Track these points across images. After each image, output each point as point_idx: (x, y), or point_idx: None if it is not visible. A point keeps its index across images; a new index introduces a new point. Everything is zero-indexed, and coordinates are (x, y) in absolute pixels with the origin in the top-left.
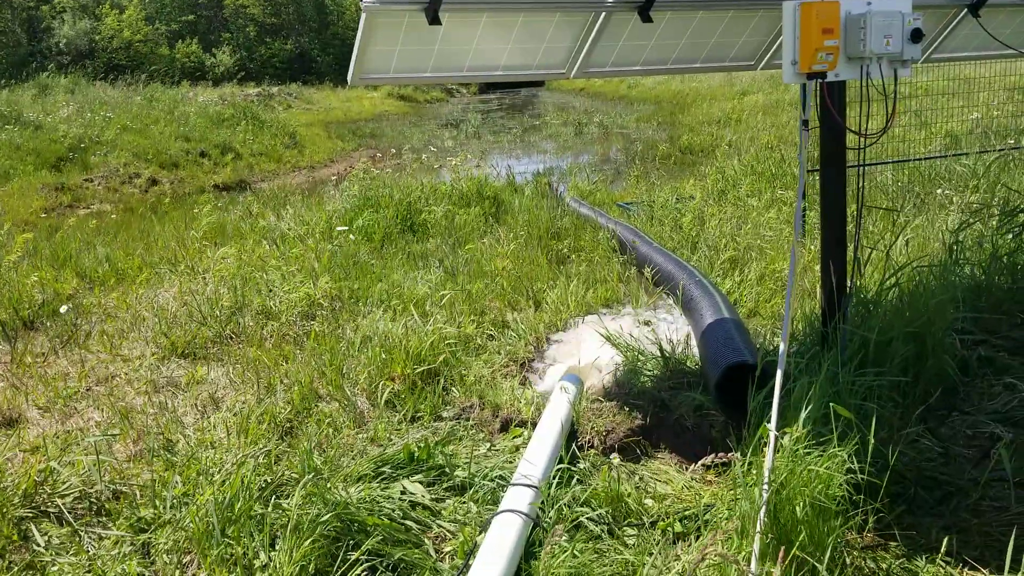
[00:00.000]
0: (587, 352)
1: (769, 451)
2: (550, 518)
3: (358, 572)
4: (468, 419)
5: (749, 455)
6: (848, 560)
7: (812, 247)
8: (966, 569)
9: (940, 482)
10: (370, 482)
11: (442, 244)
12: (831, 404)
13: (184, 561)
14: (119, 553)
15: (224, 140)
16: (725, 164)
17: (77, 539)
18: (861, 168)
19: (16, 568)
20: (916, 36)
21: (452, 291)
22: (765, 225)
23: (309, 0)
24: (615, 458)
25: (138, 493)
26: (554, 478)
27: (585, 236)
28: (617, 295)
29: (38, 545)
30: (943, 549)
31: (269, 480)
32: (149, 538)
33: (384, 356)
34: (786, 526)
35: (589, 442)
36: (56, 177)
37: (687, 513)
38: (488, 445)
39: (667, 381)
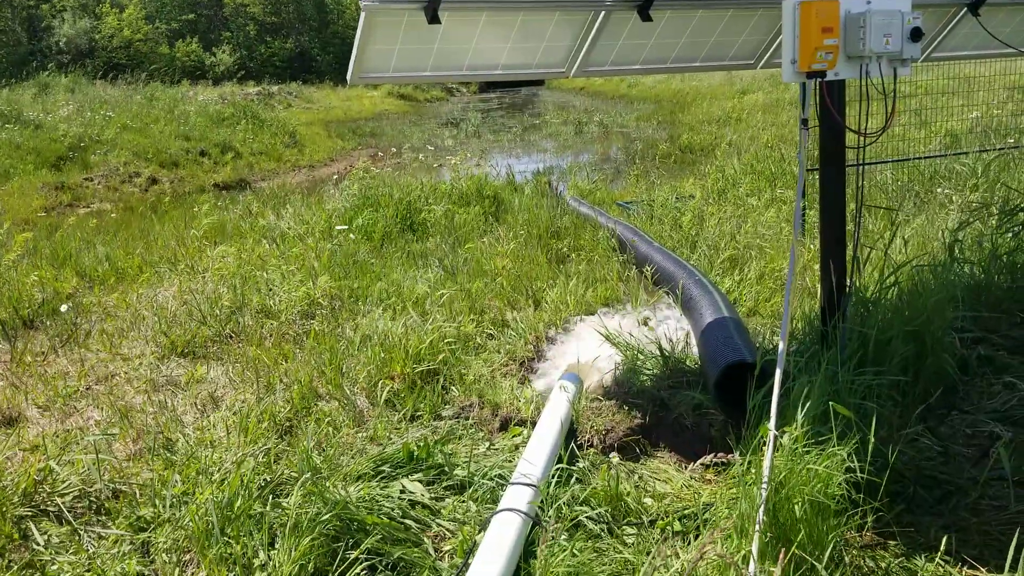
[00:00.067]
0: (586, 351)
1: (768, 450)
2: (549, 517)
3: (357, 571)
4: (467, 418)
5: (748, 454)
6: (847, 559)
7: (812, 246)
8: (965, 568)
9: (939, 481)
10: (369, 481)
11: (442, 243)
12: (830, 403)
13: (184, 560)
14: (119, 552)
15: (224, 139)
16: (725, 163)
17: (76, 538)
18: (860, 167)
19: (16, 567)
20: (916, 35)
21: (452, 290)
22: (765, 224)
23: None
24: (614, 457)
25: (138, 492)
26: (553, 477)
27: (585, 235)
28: (617, 294)
29: (38, 544)
30: (942, 548)
31: (268, 479)
32: (148, 537)
33: (383, 355)
34: (785, 525)
35: (588, 441)
36: (56, 176)
37: (686, 512)
38: (487, 444)
39: (666, 380)
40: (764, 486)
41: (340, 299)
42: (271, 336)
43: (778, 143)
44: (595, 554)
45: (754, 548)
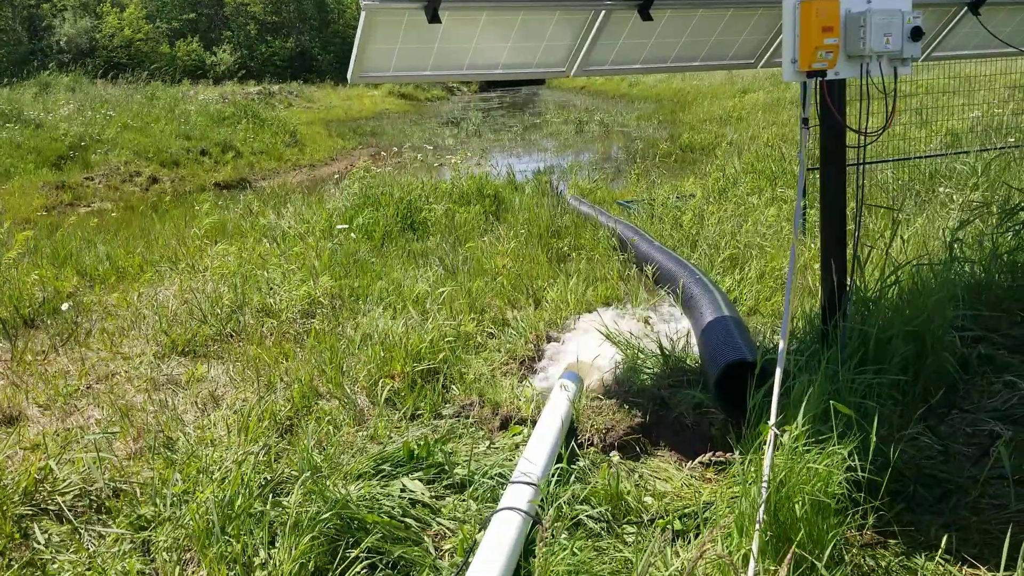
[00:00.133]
0: (587, 350)
1: (768, 449)
2: (550, 516)
3: (358, 570)
4: (468, 417)
5: (749, 453)
6: (847, 558)
7: (812, 245)
8: (965, 567)
9: (939, 480)
10: (370, 480)
11: (442, 242)
12: (831, 402)
13: (184, 559)
14: (119, 551)
15: (225, 138)
16: (726, 162)
17: (77, 537)
18: (861, 166)
19: (16, 566)
20: (916, 34)
21: (452, 289)
22: (765, 223)
23: None
24: (615, 456)
25: (138, 491)
26: (554, 476)
27: (585, 234)
28: (617, 293)
29: (38, 543)
30: (942, 547)
31: (269, 478)
32: (149, 536)
33: (384, 354)
34: (786, 524)
35: (589, 440)
36: (57, 175)
37: (687, 511)
38: (488, 443)
39: (667, 379)
40: (764, 485)
41: (341, 298)
42: (272, 335)
43: (779, 142)
44: (595, 553)
45: (754, 547)
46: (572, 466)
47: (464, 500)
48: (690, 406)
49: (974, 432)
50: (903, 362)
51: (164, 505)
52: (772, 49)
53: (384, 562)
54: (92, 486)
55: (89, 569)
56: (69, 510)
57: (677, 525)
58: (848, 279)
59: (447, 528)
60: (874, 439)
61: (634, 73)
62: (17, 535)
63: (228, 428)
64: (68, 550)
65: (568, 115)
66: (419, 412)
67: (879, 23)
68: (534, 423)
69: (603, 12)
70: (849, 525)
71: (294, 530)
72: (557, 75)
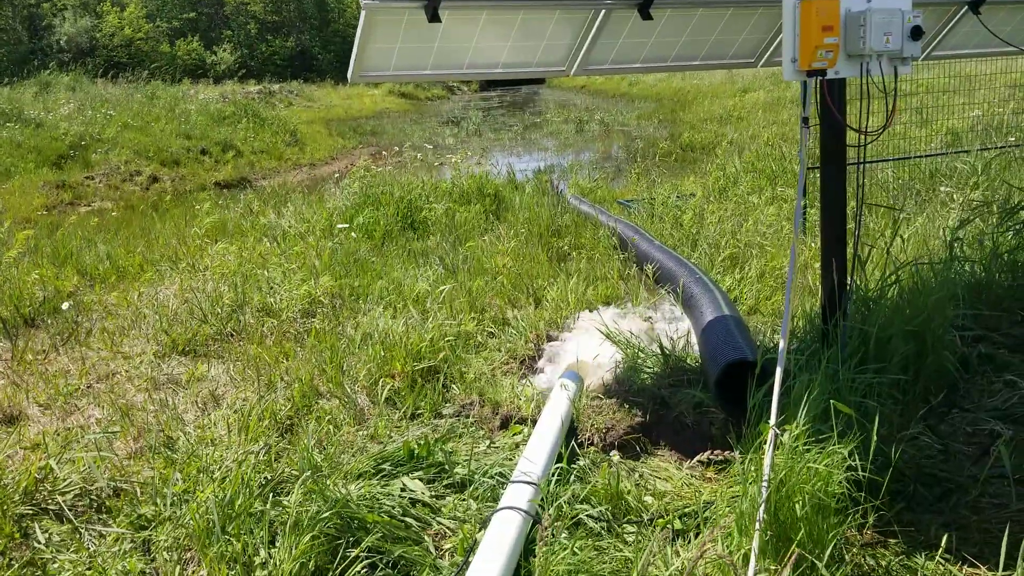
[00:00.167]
0: (587, 349)
1: (769, 448)
2: (550, 515)
3: (358, 569)
4: (468, 416)
5: (749, 453)
6: (848, 557)
7: (812, 244)
8: (965, 566)
9: (940, 479)
10: (370, 479)
11: (443, 241)
12: (831, 401)
13: (184, 558)
14: (119, 550)
15: (225, 138)
16: (726, 161)
17: (77, 536)
18: (861, 165)
19: (17, 565)
20: (916, 33)
21: (452, 288)
22: (765, 222)
23: None
24: (615, 455)
25: (138, 490)
26: (554, 475)
27: (586, 233)
28: (617, 292)
29: (38, 542)
30: (943, 546)
31: (269, 477)
32: (149, 535)
33: (384, 353)
34: (786, 523)
35: (589, 439)
36: (57, 175)
37: (687, 510)
38: (488, 442)
39: (667, 378)
40: (765, 484)
41: (341, 297)
42: (272, 334)
43: (779, 141)
44: (595, 552)
45: (754, 546)
46: (572, 465)
47: (464, 499)
48: (690, 405)
49: (974, 431)
50: (903, 361)
51: (164, 504)
52: (772, 48)
53: (384, 561)
54: (92, 485)
55: (89, 568)
56: (69, 509)
57: (677, 524)
58: (848, 278)
59: (447, 527)
60: (875, 438)
61: (634, 72)
62: (17, 534)
63: (228, 427)
64: (68, 549)
65: (568, 114)
66: (419, 411)
67: (879, 22)
68: (534, 422)
69: (603, 11)
70: (849, 524)
71: (294, 529)
72: (557, 74)
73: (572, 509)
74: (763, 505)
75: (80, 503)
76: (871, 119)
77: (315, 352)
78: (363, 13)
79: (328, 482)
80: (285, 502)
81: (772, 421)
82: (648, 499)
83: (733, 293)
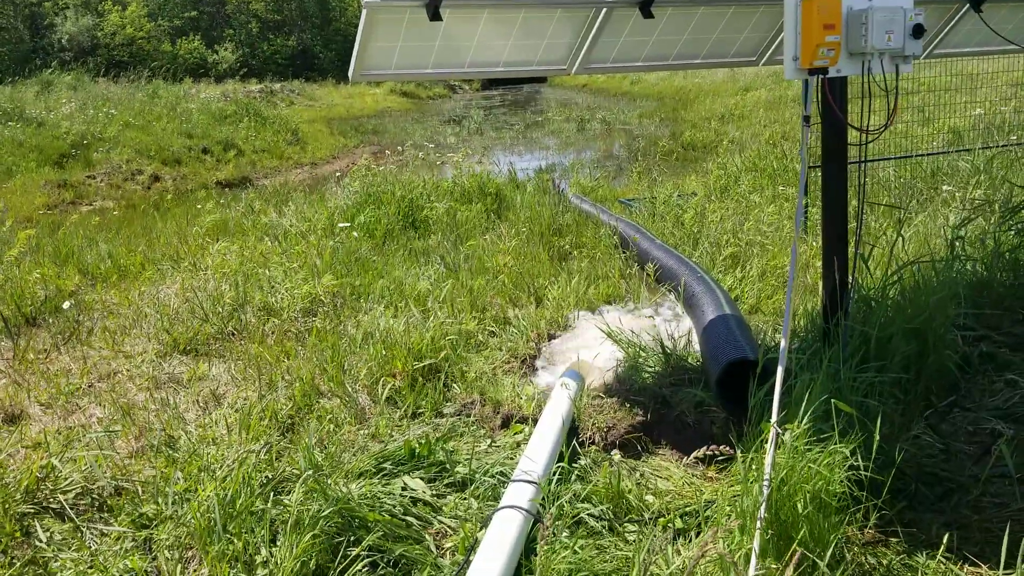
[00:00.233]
0: (588, 348)
1: (770, 447)
2: (551, 514)
3: (359, 568)
4: (469, 415)
5: (751, 452)
6: (849, 556)
7: (814, 243)
8: (967, 565)
9: (941, 478)
10: (371, 478)
11: (444, 240)
12: (832, 400)
13: (186, 557)
14: (121, 549)
15: (226, 137)
16: (727, 160)
17: (79, 535)
18: (863, 164)
19: (18, 564)
20: (918, 32)
21: (453, 287)
22: (767, 221)
23: None
24: (616, 454)
25: (140, 489)
26: (555, 474)
27: (587, 232)
28: (619, 291)
29: (40, 541)
30: (944, 545)
31: (270, 476)
32: (151, 534)
33: (385, 352)
34: (787, 522)
35: (590, 438)
36: (59, 174)
37: (688, 509)
38: (489, 441)
39: (668, 377)
40: (766, 483)
41: (342, 296)
42: (273, 333)
43: (780, 140)
44: (596, 551)
45: (755, 545)
46: (573, 464)
47: (465, 498)
48: (692, 404)
49: (975, 430)
50: (905, 360)
51: (166, 503)
52: (774, 47)
53: (385, 560)
54: (94, 484)
55: (91, 567)
56: (71, 508)
57: (678, 523)
58: (850, 277)
59: (448, 526)
60: (877, 437)
61: (635, 71)
62: (19, 533)
63: (229, 426)
64: (70, 548)
65: (570, 113)
66: (420, 410)
67: (881, 20)
68: (535, 421)
69: (604, 10)
70: (851, 524)
71: (295, 528)
72: (558, 73)
73: (573, 508)
74: (764, 504)
75: (82, 502)
76: (872, 118)
77: (316, 351)
78: (364, 12)
79: (329, 481)
80: (286, 501)
81: (773, 420)
82: (649, 498)
83: (734, 292)
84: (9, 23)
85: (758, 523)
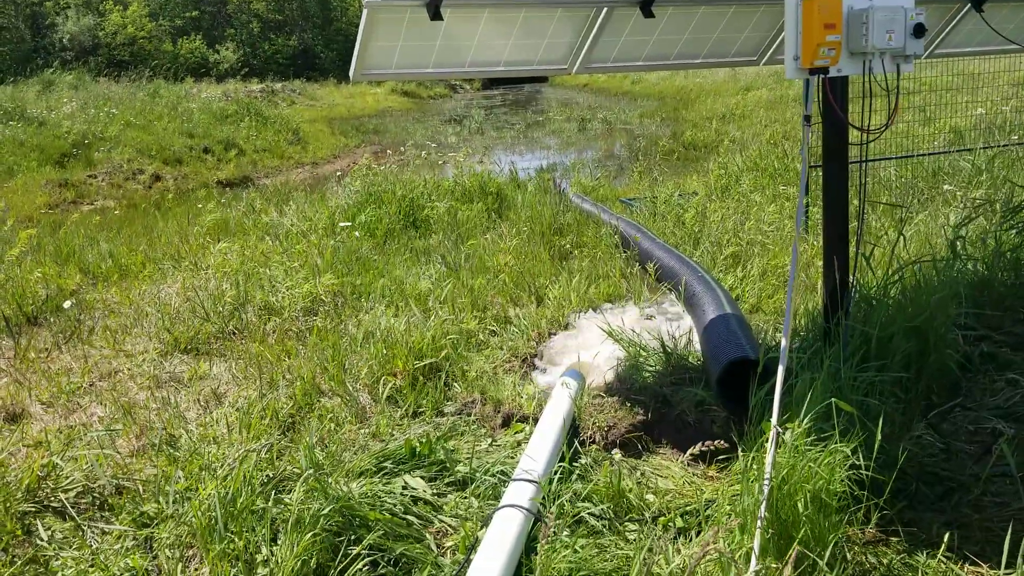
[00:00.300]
0: (589, 348)
1: (770, 446)
2: (551, 513)
3: (359, 567)
4: (470, 414)
5: (752, 451)
6: (849, 556)
7: (815, 242)
8: (967, 564)
9: (942, 478)
10: (372, 477)
11: (444, 240)
12: (833, 400)
13: (187, 556)
14: (122, 548)
15: (227, 136)
16: (728, 160)
17: (80, 533)
18: (864, 164)
19: (19, 562)
20: (919, 31)
21: (454, 286)
22: (767, 221)
23: None
24: (617, 453)
25: (141, 488)
26: (556, 473)
27: (588, 232)
28: (620, 291)
29: (41, 539)
30: (944, 545)
31: (271, 475)
32: (152, 533)
33: (386, 352)
34: (787, 522)
35: (591, 437)
36: (60, 173)
37: (689, 508)
38: (490, 440)
39: (669, 377)
40: (767, 482)
41: (343, 296)
42: (274, 332)
43: (781, 139)
44: (597, 550)
45: (756, 544)
46: (574, 464)
47: (466, 497)
48: (692, 404)
49: (976, 430)
50: (905, 360)
51: (167, 502)
52: (775, 46)
53: (386, 559)
54: (95, 483)
55: (92, 566)
56: (72, 507)
57: (679, 522)
58: (851, 276)
59: (449, 525)
60: (879, 437)
61: (636, 70)
62: (20, 532)
63: (230, 426)
64: (71, 547)
65: (571, 113)
66: (421, 409)
67: (882, 20)
68: (536, 421)
69: (605, 9)
70: (851, 523)
71: (296, 527)
72: (559, 72)
73: (574, 507)
74: (764, 503)
75: (83, 500)
76: (874, 117)
77: (317, 350)
78: (365, 12)
79: (330, 480)
80: (287, 500)
81: (774, 419)
82: (650, 497)
83: (735, 291)
84: (10, 23)
85: (758, 522)
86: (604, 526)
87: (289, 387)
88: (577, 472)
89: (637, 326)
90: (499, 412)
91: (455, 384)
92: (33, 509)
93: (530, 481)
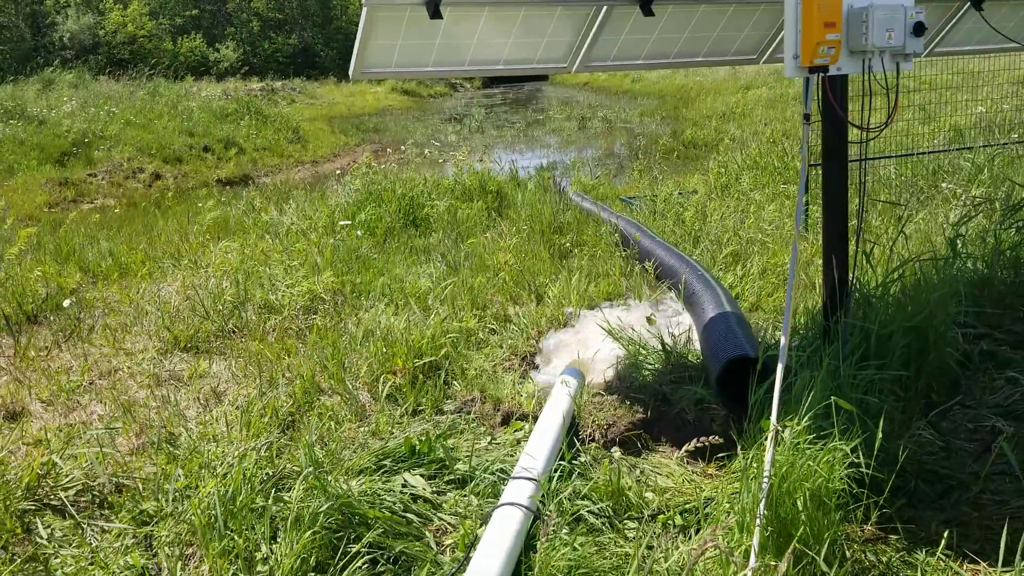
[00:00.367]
0: (589, 346)
1: (769, 444)
2: (551, 511)
3: (359, 565)
4: (469, 412)
5: (751, 449)
6: (848, 553)
7: (814, 241)
8: (966, 562)
9: (941, 476)
10: (371, 475)
11: (444, 238)
12: (833, 398)
13: (186, 554)
14: (121, 545)
15: (227, 135)
16: (728, 158)
17: (80, 532)
18: (863, 162)
19: (19, 560)
20: (918, 30)
21: (454, 285)
22: (767, 219)
23: None
24: (616, 451)
25: (140, 486)
26: (555, 471)
27: (588, 230)
28: (619, 289)
29: (41, 537)
30: (943, 542)
31: (271, 473)
32: (151, 531)
33: (386, 350)
34: (786, 520)
35: (590, 435)
36: (60, 172)
37: (688, 506)
38: (489, 438)
39: (668, 375)
40: (766, 480)
41: (343, 294)
42: (274, 331)
43: (781, 138)
44: (596, 548)
45: (755, 542)
46: (573, 462)
47: (465, 495)
48: (692, 402)
49: (976, 428)
50: (905, 358)
51: (166, 500)
52: (775, 45)
53: (385, 557)
54: (95, 481)
55: (91, 564)
56: (72, 505)
57: (678, 520)
58: (850, 275)
59: (448, 523)
60: (880, 435)
61: (636, 69)
62: (20, 530)
63: (230, 424)
64: (71, 545)
65: (571, 111)
66: (420, 408)
67: (881, 18)
68: (535, 419)
69: (604, 7)
70: (851, 521)
71: (296, 525)
72: (559, 71)
73: (573, 505)
74: (764, 501)
75: (82, 499)
76: (873, 115)
77: (317, 349)
78: (364, 10)
79: (329, 478)
80: (286, 498)
81: (773, 417)
82: (649, 495)
83: (735, 290)
84: (10, 21)
85: (758, 520)
86: (603, 524)
87: (289, 385)
88: (577, 470)
89: (637, 324)
90: (499, 410)
91: (455, 382)
92: (33, 507)
93: (529, 479)
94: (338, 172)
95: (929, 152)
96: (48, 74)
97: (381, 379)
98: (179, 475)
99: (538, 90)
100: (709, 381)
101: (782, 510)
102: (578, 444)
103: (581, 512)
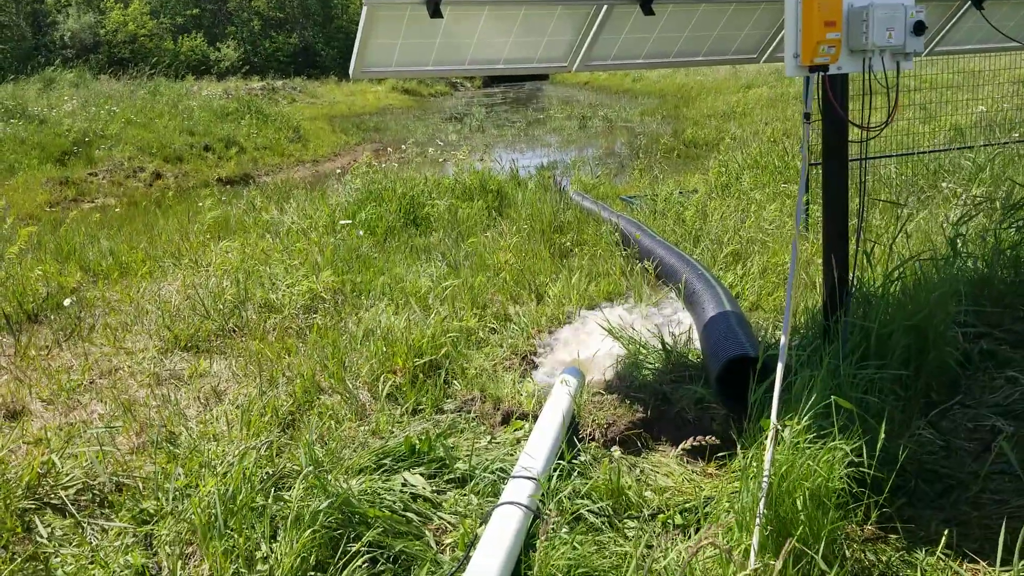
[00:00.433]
0: (589, 345)
1: (769, 444)
2: (551, 510)
3: (359, 564)
4: (469, 412)
5: (751, 448)
6: (848, 552)
7: (815, 240)
8: (966, 562)
9: (941, 475)
10: (371, 474)
11: (445, 238)
12: (833, 397)
13: (186, 552)
14: (122, 544)
15: (228, 134)
16: (728, 158)
17: (80, 531)
18: (863, 161)
19: (19, 559)
20: (919, 29)
21: (454, 284)
22: (767, 218)
23: None
24: (616, 451)
25: (141, 485)
26: (555, 470)
27: (588, 230)
28: (620, 289)
29: (41, 536)
30: (943, 542)
31: (271, 472)
32: (151, 530)
33: (386, 349)
34: (786, 519)
35: (590, 435)
36: (61, 171)
37: (687, 506)
38: (489, 438)
39: (669, 374)
40: (765, 480)
41: (343, 293)
42: (274, 330)
43: (782, 137)
44: (596, 547)
45: (754, 541)
46: (573, 461)
47: (465, 494)
48: (692, 401)
49: (975, 427)
50: (905, 357)
51: (166, 499)
52: (775, 44)
53: (385, 556)
54: (95, 480)
55: (92, 563)
56: (72, 504)
57: (678, 519)
58: (850, 274)
59: (448, 522)
60: (882, 435)
61: (636, 68)
62: (20, 529)
63: (230, 423)
64: (71, 544)
65: (571, 111)
66: (421, 407)
67: (882, 17)
68: (535, 418)
69: (605, 7)
70: (850, 520)
71: (296, 524)
72: (559, 70)
73: (573, 504)
74: (763, 500)
75: (82, 497)
76: (873, 115)
77: (317, 348)
78: (365, 9)
79: (329, 477)
80: (286, 497)
81: (773, 417)
82: (649, 494)
83: (735, 289)
84: (11, 20)
85: (757, 519)
86: (603, 523)
87: (289, 384)
88: (576, 469)
89: (637, 324)
90: (499, 409)
91: (455, 382)
92: (33, 506)
93: (529, 478)
94: (339, 171)
95: (930, 151)
96: (49, 73)
97: (381, 378)
98: (179, 474)
99: (538, 89)
100: (709, 380)
101: (782, 509)
102: (578, 443)
103: (581, 511)
